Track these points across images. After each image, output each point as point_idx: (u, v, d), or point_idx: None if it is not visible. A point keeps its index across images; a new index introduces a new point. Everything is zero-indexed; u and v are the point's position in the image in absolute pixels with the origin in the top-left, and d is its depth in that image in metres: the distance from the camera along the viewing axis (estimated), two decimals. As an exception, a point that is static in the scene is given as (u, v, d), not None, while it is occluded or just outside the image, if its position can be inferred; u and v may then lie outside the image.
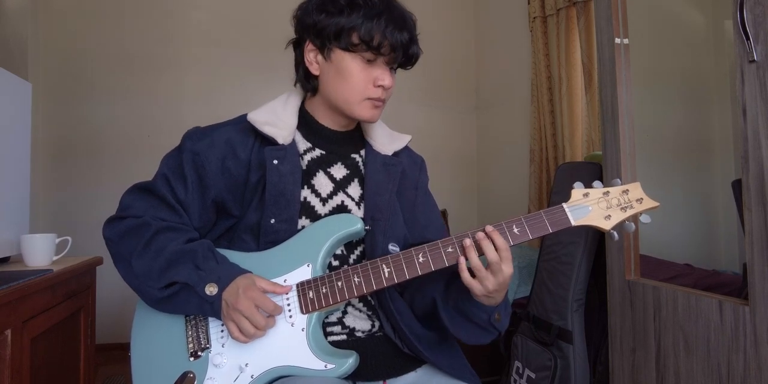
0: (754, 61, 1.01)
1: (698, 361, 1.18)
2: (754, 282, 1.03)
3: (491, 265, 0.80)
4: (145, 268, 0.86)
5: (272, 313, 0.83)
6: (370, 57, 0.88)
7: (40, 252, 1.43)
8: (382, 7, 0.86)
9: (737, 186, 1.31)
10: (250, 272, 0.87)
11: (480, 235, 0.81)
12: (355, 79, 0.89)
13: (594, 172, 1.73)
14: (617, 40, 1.43)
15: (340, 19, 0.86)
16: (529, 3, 2.78)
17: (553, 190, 1.95)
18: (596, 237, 1.70)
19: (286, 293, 0.86)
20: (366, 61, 0.88)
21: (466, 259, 0.81)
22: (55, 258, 1.48)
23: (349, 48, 0.87)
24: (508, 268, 0.81)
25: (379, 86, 0.90)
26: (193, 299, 0.85)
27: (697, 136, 2.47)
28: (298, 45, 0.96)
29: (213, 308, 0.84)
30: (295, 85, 0.99)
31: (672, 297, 1.26)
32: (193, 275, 0.84)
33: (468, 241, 0.81)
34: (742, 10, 1.02)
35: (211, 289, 0.83)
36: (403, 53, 0.89)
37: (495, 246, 0.80)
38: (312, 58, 0.93)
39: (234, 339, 0.83)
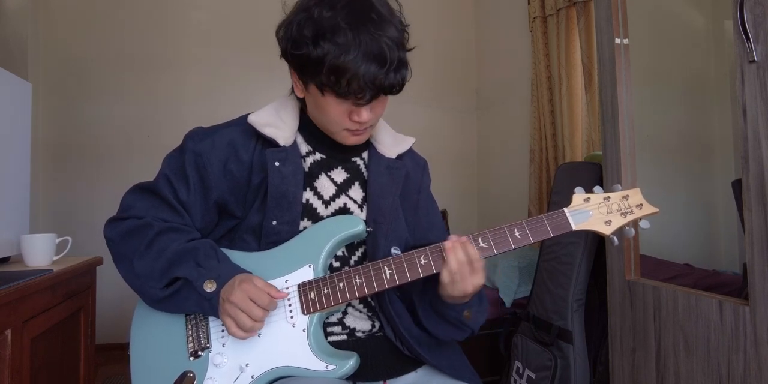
0: (754, 61, 1.01)
1: (698, 361, 1.18)
2: (754, 282, 1.03)
3: (452, 275, 0.81)
4: (146, 268, 0.86)
5: (266, 307, 0.82)
6: (339, 96, 0.83)
7: (40, 252, 1.43)
8: (348, 44, 0.78)
9: (737, 186, 1.31)
10: (250, 273, 0.87)
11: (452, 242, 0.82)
12: (330, 114, 0.86)
13: (594, 172, 1.73)
14: (617, 40, 1.43)
15: (308, 55, 0.80)
16: (529, 3, 2.79)
17: (553, 190, 1.95)
18: (596, 237, 1.70)
19: (283, 298, 0.86)
20: (339, 97, 0.83)
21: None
22: (55, 258, 1.48)
23: (320, 86, 0.83)
24: (476, 279, 0.81)
25: (354, 121, 0.86)
26: (192, 296, 0.85)
27: (697, 136, 2.47)
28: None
29: (211, 305, 0.83)
30: (289, 94, 0.99)
31: (672, 297, 1.26)
32: (193, 271, 0.84)
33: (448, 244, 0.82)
34: (742, 10, 1.02)
35: (209, 286, 0.83)
36: (376, 90, 0.82)
37: (468, 256, 0.81)
38: (296, 81, 0.91)
39: (231, 335, 0.82)
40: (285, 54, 0.86)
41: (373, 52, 0.79)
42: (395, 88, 0.84)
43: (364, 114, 0.85)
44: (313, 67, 0.81)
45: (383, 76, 0.80)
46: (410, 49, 0.87)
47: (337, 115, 0.86)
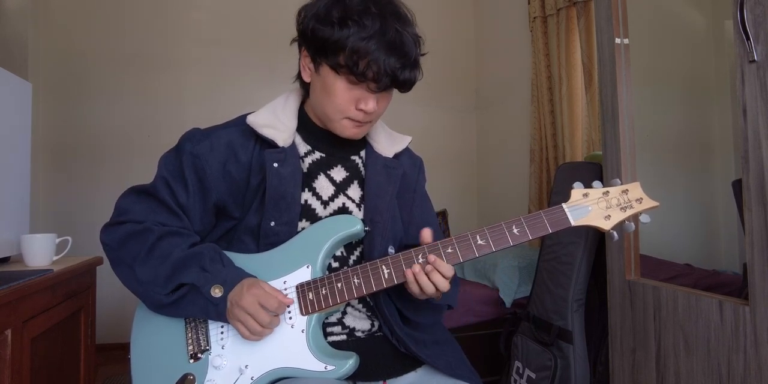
0: (754, 61, 1.01)
1: (698, 361, 1.18)
2: (754, 282, 1.03)
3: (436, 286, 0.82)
4: (150, 274, 0.85)
5: (276, 312, 0.82)
6: (354, 80, 0.84)
7: (40, 252, 1.43)
8: (374, 29, 0.80)
9: (737, 186, 1.31)
10: (256, 277, 0.86)
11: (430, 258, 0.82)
12: (337, 99, 0.86)
13: (594, 172, 1.73)
14: (617, 40, 1.43)
15: (331, 34, 0.81)
16: (529, 3, 2.78)
17: (553, 190, 1.95)
18: (596, 237, 1.70)
19: (289, 305, 0.86)
20: (350, 82, 0.84)
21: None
22: (55, 258, 1.48)
23: (335, 67, 0.84)
24: (443, 286, 0.82)
25: (360, 110, 0.87)
26: (199, 301, 0.84)
27: (697, 136, 2.47)
28: (300, 45, 0.95)
29: (217, 310, 0.83)
30: (294, 81, 0.99)
31: (672, 297, 1.26)
32: (200, 277, 0.83)
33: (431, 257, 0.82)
34: (742, 10, 1.02)
35: (216, 291, 0.82)
36: (391, 80, 0.83)
37: (441, 273, 0.82)
38: (306, 64, 0.91)
39: (245, 338, 0.83)
40: (304, 33, 0.87)
41: (396, 43, 0.81)
42: (407, 84, 0.86)
43: (371, 103, 0.86)
44: (334, 47, 0.82)
45: (400, 69, 0.83)
46: (423, 54, 0.89)
47: (344, 101, 0.86)
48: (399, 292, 0.92)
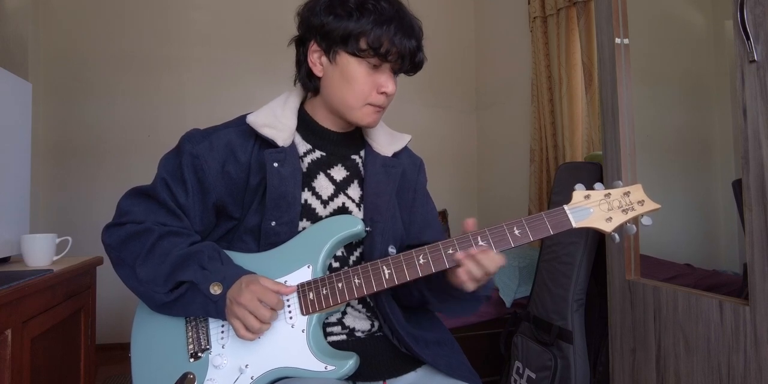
0: (754, 61, 1.01)
1: (698, 361, 1.18)
2: (754, 282, 1.03)
3: (485, 275, 0.81)
4: (150, 274, 0.86)
5: (275, 307, 0.82)
6: (376, 63, 0.87)
7: (41, 252, 1.43)
8: (392, 13, 0.86)
9: (737, 186, 1.31)
10: (255, 273, 0.86)
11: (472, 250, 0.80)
12: (359, 85, 0.89)
13: (594, 172, 1.73)
14: (617, 40, 1.43)
15: (349, 23, 0.85)
16: (529, 3, 2.79)
17: (554, 191, 1.95)
18: (596, 237, 1.70)
19: (291, 294, 0.86)
20: (372, 66, 0.88)
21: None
22: (55, 258, 1.48)
23: (357, 53, 0.87)
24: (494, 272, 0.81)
25: (382, 93, 0.90)
26: (198, 299, 0.84)
27: (697, 136, 2.47)
28: (301, 43, 0.95)
29: (217, 307, 0.83)
30: (294, 84, 0.99)
31: (672, 297, 1.26)
32: (198, 274, 0.84)
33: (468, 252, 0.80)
34: (743, 10, 1.02)
35: (215, 288, 0.82)
36: (409, 61, 0.90)
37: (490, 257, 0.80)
38: (316, 59, 0.92)
39: (240, 337, 0.82)
40: (318, 27, 0.89)
41: (410, 26, 0.89)
42: (419, 67, 0.93)
43: (391, 85, 0.90)
44: (355, 33, 0.85)
45: (416, 51, 0.90)
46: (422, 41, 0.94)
47: (365, 87, 0.89)
48: (430, 280, 0.90)
